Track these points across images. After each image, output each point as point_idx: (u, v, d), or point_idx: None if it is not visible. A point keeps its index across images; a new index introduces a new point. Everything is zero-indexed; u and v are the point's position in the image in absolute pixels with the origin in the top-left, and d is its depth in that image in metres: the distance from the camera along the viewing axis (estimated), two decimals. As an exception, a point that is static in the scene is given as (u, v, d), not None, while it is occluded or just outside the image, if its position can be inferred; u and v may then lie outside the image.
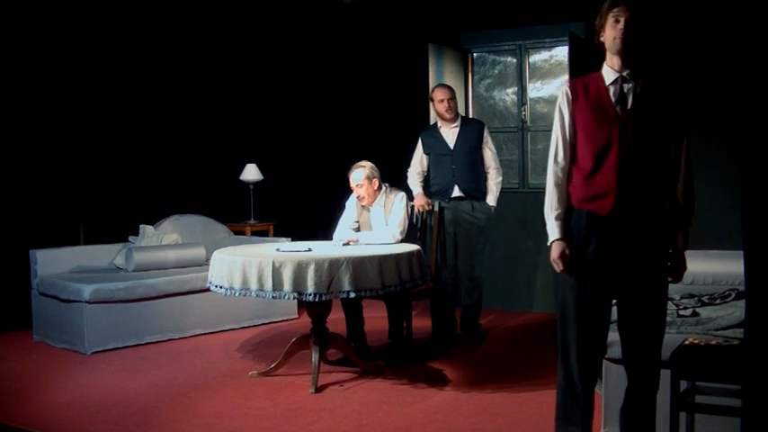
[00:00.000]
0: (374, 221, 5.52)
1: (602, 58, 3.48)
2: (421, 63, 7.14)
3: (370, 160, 5.56)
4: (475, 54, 7.54)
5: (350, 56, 8.36)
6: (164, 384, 4.90)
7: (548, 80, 7.24)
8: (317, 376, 4.73)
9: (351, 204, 5.63)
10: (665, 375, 3.24)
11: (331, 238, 5.48)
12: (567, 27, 6.58)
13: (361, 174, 5.42)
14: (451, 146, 5.86)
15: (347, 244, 5.21)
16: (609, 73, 3.29)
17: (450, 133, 5.90)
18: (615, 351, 3.74)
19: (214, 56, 7.81)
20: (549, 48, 7.17)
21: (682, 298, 4.29)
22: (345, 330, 5.45)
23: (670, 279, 3.19)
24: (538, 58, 7.28)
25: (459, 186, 5.82)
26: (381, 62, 8.12)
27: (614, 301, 3.25)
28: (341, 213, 5.68)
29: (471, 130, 5.90)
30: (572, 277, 3.16)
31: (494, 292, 7.31)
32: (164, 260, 6.35)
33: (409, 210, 5.54)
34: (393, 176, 7.10)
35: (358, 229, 5.55)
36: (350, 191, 5.58)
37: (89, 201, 6.96)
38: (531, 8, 7.03)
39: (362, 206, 5.54)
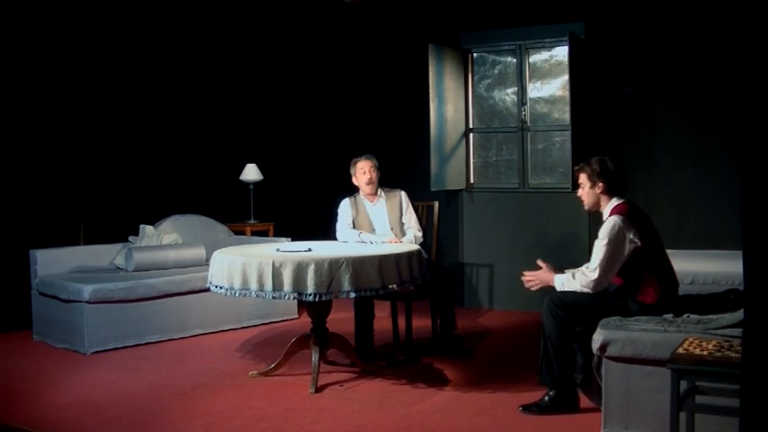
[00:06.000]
0: (376, 221, 5.55)
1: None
2: (421, 63, 7.14)
3: (369, 160, 5.61)
4: (475, 54, 7.54)
5: (350, 56, 8.36)
6: (164, 384, 4.90)
7: (548, 80, 7.23)
8: (317, 376, 4.73)
9: (345, 208, 5.66)
10: (666, 375, 3.24)
11: (331, 238, 5.48)
12: (567, 27, 6.58)
13: (371, 161, 5.58)
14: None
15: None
16: None
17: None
18: (615, 349, 3.75)
19: (214, 56, 7.81)
20: (549, 48, 7.17)
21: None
22: (345, 330, 5.43)
23: None
24: (538, 58, 7.28)
25: None
26: (381, 62, 8.12)
27: None
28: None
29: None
30: None
31: (493, 291, 7.32)
32: (164, 260, 6.35)
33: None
34: (393, 176, 7.11)
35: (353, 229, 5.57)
36: (343, 195, 5.63)
37: (89, 201, 6.96)
38: (531, 8, 7.03)
39: (360, 203, 5.56)
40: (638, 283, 4.14)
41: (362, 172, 5.57)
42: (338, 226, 5.64)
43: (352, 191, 5.66)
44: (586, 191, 4.31)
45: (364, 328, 5.43)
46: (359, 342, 5.40)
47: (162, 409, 4.40)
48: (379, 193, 5.64)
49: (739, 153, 2.31)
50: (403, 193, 5.67)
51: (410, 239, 5.54)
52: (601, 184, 4.24)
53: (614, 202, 4.24)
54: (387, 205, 5.64)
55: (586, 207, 4.38)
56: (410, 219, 5.67)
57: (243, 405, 4.46)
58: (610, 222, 4.14)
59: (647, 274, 4.13)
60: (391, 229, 5.61)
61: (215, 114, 7.88)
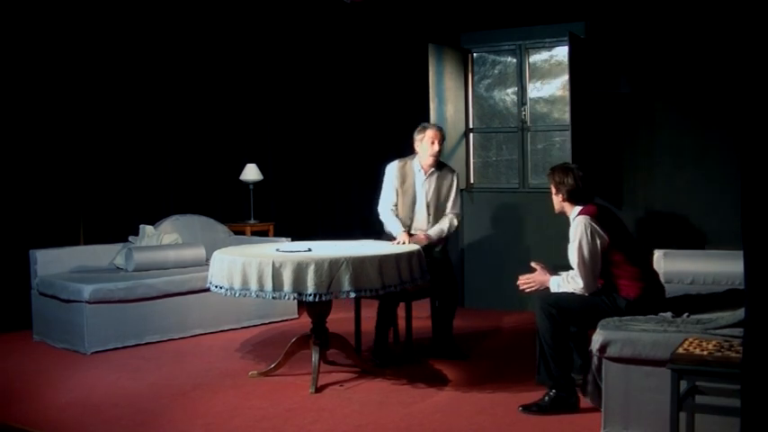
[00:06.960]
0: (420, 194, 5.48)
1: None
2: (421, 63, 7.14)
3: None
4: (475, 54, 7.54)
5: (350, 56, 8.36)
6: (164, 384, 4.91)
7: (548, 80, 7.23)
8: (317, 376, 4.73)
9: (390, 178, 5.51)
10: (666, 375, 3.24)
11: (332, 238, 5.45)
12: (567, 27, 6.58)
13: (442, 132, 5.46)
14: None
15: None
16: None
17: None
18: (614, 350, 3.75)
19: (214, 56, 7.81)
20: (549, 48, 7.17)
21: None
22: (345, 330, 5.42)
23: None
24: (538, 58, 7.28)
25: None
26: (381, 62, 8.12)
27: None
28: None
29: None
30: None
31: (493, 292, 7.31)
32: (164, 260, 6.35)
33: None
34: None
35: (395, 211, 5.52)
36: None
37: (89, 201, 6.96)
38: (531, 8, 7.02)
39: (410, 170, 5.49)
40: (616, 280, 4.22)
41: (431, 141, 5.35)
42: (381, 200, 5.56)
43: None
44: (553, 196, 4.49)
45: (383, 331, 5.38)
46: (378, 343, 5.36)
47: (162, 409, 4.40)
48: (436, 168, 5.49)
49: (739, 153, 2.31)
50: (456, 176, 5.53)
51: (442, 229, 5.36)
52: (560, 195, 4.42)
53: (579, 207, 4.36)
54: (436, 183, 5.49)
55: (555, 210, 4.55)
56: (454, 203, 5.53)
57: (243, 405, 4.46)
58: (576, 223, 4.29)
59: (620, 269, 4.21)
60: (427, 207, 5.46)
61: (215, 114, 7.88)
